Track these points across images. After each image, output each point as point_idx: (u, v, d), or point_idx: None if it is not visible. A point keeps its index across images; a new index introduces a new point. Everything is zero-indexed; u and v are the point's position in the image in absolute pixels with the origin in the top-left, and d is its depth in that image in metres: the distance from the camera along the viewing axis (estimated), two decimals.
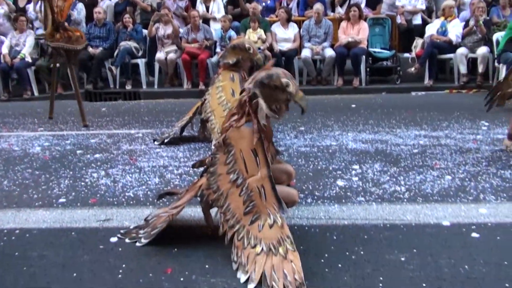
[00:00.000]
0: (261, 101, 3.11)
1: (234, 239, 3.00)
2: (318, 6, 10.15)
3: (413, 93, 9.73)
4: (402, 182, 4.52)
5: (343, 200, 4.13)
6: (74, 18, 10.71)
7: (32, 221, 3.88)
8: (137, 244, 3.36)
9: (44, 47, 10.58)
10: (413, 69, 9.84)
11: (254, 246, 2.92)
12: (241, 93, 3.26)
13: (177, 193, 3.68)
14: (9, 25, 10.77)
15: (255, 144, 3.07)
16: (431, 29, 10.07)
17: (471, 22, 9.68)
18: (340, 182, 4.56)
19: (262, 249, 2.90)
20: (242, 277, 2.85)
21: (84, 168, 5.26)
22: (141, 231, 3.47)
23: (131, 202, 4.23)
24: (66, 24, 7.33)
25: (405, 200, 4.12)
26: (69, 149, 6.10)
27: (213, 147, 3.87)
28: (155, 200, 4.03)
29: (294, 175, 3.78)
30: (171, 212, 3.38)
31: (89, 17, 10.98)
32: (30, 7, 10.98)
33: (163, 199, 3.92)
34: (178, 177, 4.85)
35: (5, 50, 10.23)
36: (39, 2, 7.65)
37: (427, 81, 9.87)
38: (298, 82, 10.26)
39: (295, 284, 2.71)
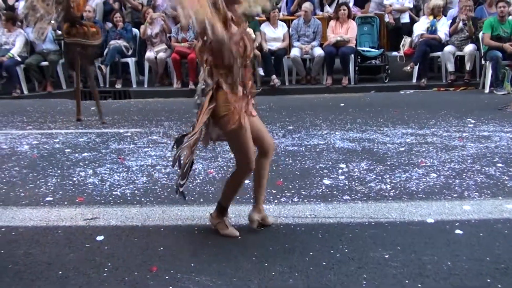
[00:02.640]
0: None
1: None
2: (307, 5, 10.18)
3: (402, 92, 9.78)
4: (388, 180, 4.56)
5: (329, 199, 4.16)
6: None
7: (19, 219, 3.89)
8: (180, 189, 3.33)
9: (38, 46, 10.51)
10: (408, 67, 9.89)
11: None
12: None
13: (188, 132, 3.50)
14: None
15: None
16: (419, 27, 10.12)
17: (459, 22, 9.74)
18: (326, 181, 4.59)
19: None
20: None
21: (72, 166, 5.26)
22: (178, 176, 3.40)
23: (118, 201, 4.24)
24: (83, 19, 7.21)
25: (391, 198, 4.16)
26: (58, 147, 6.09)
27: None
28: (173, 148, 3.75)
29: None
30: (191, 140, 3.27)
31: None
32: (20, 4, 10.91)
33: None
34: (166, 176, 4.87)
35: None
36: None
37: (421, 81, 9.89)
38: (287, 81, 10.31)
39: None
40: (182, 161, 3.34)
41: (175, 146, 3.44)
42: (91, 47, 7.27)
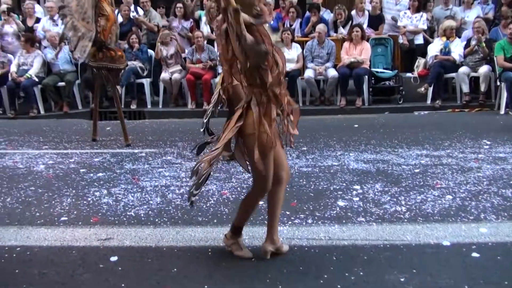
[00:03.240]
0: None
1: None
2: (320, 27, 10.24)
3: (416, 113, 9.75)
4: (403, 202, 4.52)
5: (344, 221, 4.14)
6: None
7: (34, 238, 3.91)
8: (192, 198, 3.29)
9: (55, 66, 10.64)
10: (422, 89, 9.86)
11: None
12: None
13: (214, 141, 3.50)
14: (18, 43, 10.90)
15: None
16: (433, 49, 10.11)
17: (473, 42, 9.74)
18: (341, 203, 4.57)
19: None
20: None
21: (87, 186, 5.29)
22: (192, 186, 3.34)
23: (132, 222, 4.25)
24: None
25: (406, 220, 4.12)
26: (73, 167, 6.14)
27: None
28: (196, 155, 3.76)
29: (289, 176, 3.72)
30: (212, 154, 3.27)
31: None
32: (39, 26, 11.12)
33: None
34: (180, 196, 4.87)
35: (13, 68, 10.35)
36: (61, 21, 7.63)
37: (436, 102, 9.83)
38: (301, 102, 10.31)
39: None
40: (199, 172, 3.29)
41: (195, 152, 3.46)
42: (116, 71, 7.42)
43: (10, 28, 10.99)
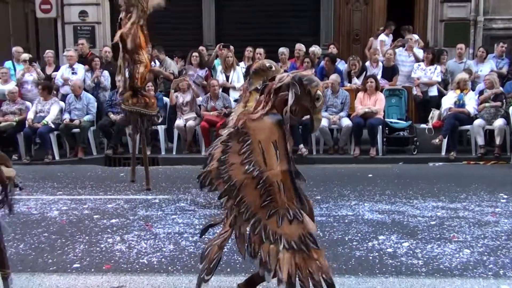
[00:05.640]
0: (291, 94, 2.99)
1: (250, 233, 2.94)
2: (333, 77, 10.35)
3: (431, 164, 9.70)
4: (420, 255, 4.45)
5: (359, 273, 4.07)
6: (104, 85, 11.13)
7: (45, 286, 3.89)
8: (203, 284, 3.19)
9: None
10: (437, 140, 9.85)
11: (274, 242, 2.86)
12: (272, 79, 3.17)
13: (218, 222, 3.45)
14: (36, 91, 11.10)
15: (277, 136, 3.00)
16: (447, 101, 10.14)
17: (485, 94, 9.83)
18: (356, 253, 4.50)
19: (284, 246, 2.83)
20: (266, 276, 2.83)
21: (100, 233, 5.28)
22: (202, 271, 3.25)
23: (145, 269, 4.21)
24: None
25: (423, 273, 4.05)
26: (86, 213, 6.14)
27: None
28: (199, 237, 3.74)
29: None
30: (222, 238, 3.21)
31: (113, 85, 11.28)
32: (58, 74, 11.34)
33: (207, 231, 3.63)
34: (193, 244, 4.83)
35: (30, 115, 10.51)
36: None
37: (451, 153, 9.79)
38: (315, 151, 10.32)
39: (323, 283, 2.69)
40: (210, 257, 3.23)
41: (200, 237, 3.42)
42: (148, 116, 7.64)
43: (30, 77, 11.25)
